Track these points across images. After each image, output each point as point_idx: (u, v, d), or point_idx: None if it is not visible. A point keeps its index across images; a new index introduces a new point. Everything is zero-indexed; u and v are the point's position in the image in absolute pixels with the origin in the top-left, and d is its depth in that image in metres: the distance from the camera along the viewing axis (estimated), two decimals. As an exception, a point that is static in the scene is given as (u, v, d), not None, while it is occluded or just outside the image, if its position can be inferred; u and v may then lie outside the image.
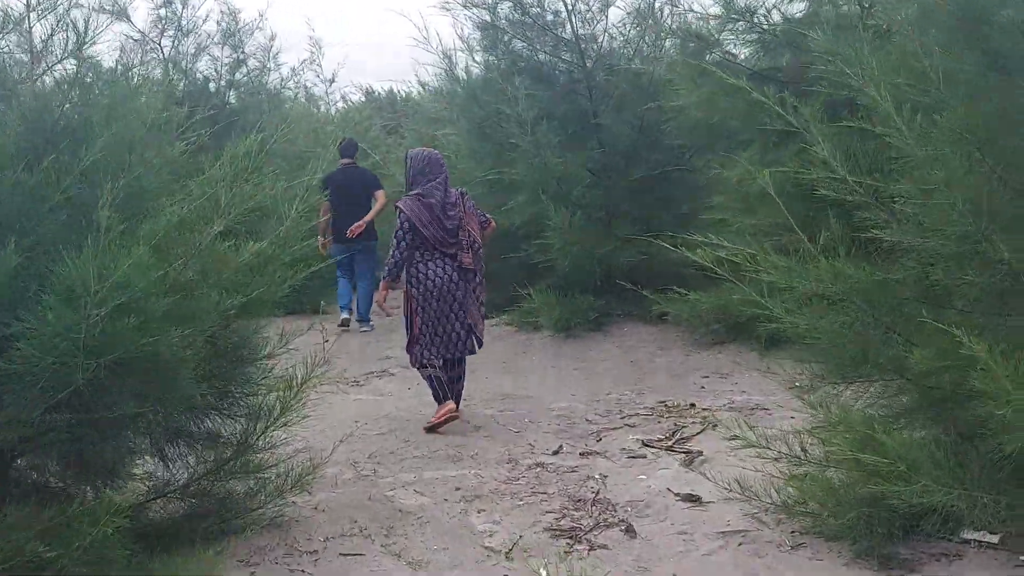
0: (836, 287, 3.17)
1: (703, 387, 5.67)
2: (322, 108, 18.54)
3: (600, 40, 8.28)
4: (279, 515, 3.81)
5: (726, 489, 3.55)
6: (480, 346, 5.36)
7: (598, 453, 4.51)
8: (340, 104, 18.77)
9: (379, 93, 22.27)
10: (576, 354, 6.71)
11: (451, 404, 5.02)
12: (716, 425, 4.80)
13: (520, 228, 7.77)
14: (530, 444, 4.71)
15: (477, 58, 8.78)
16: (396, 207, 5.19)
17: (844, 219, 3.60)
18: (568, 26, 8.09)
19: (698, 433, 4.70)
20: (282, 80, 13.80)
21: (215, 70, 10.13)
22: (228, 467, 3.66)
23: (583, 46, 8.05)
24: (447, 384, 5.13)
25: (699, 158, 7.86)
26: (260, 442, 3.80)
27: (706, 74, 7.10)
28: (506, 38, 8.37)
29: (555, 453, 4.55)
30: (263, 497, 3.80)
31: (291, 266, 3.96)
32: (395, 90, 19.91)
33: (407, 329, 5.24)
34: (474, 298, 5.24)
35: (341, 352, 7.33)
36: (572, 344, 6.94)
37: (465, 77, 8.38)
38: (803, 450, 3.42)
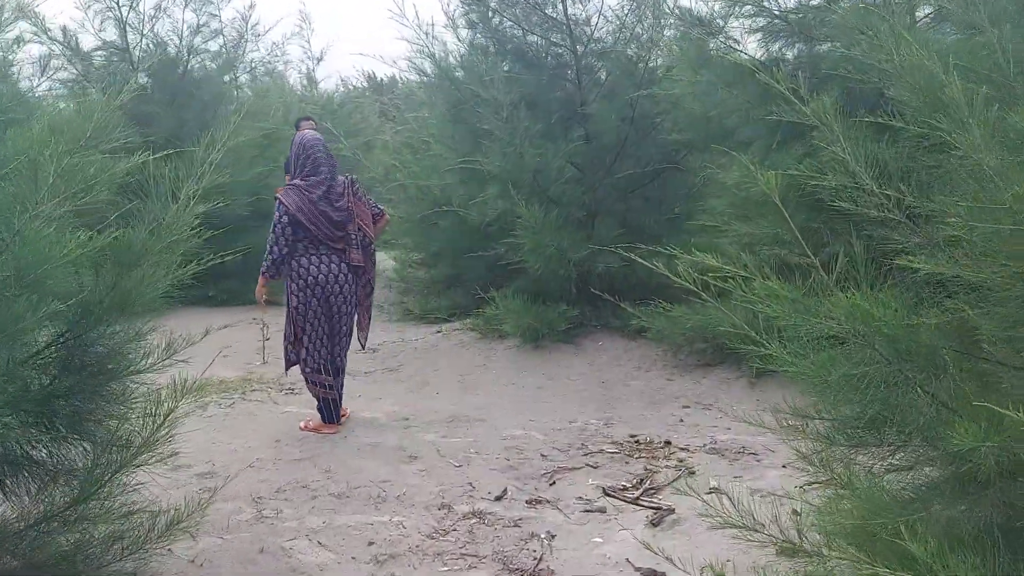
0: (854, 330, 2.41)
1: (682, 420, 4.91)
2: (307, 87, 17.78)
3: (594, 22, 7.50)
4: (141, 570, 3.07)
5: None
6: (363, 348, 5.19)
7: (549, 502, 3.75)
8: (341, 88, 18.08)
9: (382, 79, 21.63)
10: (542, 370, 5.95)
11: (335, 428, 4.74)
12: (694, 472, 4.05)
13: (492, 224, 7.01)
14: (470, 484, 3.95)
15: (461, 35, 8.01)
16: (275, 197, 4.65)
17: (864, 239, 2.87)
18: (560, 4, 7.31)
19: (672, 481, 3.95)
20: (265, 53, 13.02)
21: (176, 33, 9.29)
22: (66, 513, 2.90)
23: (574, 28, 7.27)
24: (335, 402, 4.79)
25: (694, 156, 7.11)
26: (116, 479, 3.04)
27: (706, 61, 6.38)
28: (491, 14, 7.59)
29: (498, 499, 3.79)
30: (121, 548, 3.05)
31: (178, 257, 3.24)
32: (398, 76, 19.21)
33: (287, 331, 4.81)
34: (362, 297, 4.87)
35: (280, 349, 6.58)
36: (539, 357, 6.17)
37: (441, 55, 7.58)
38: (799, 533, 2.68)
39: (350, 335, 4.85)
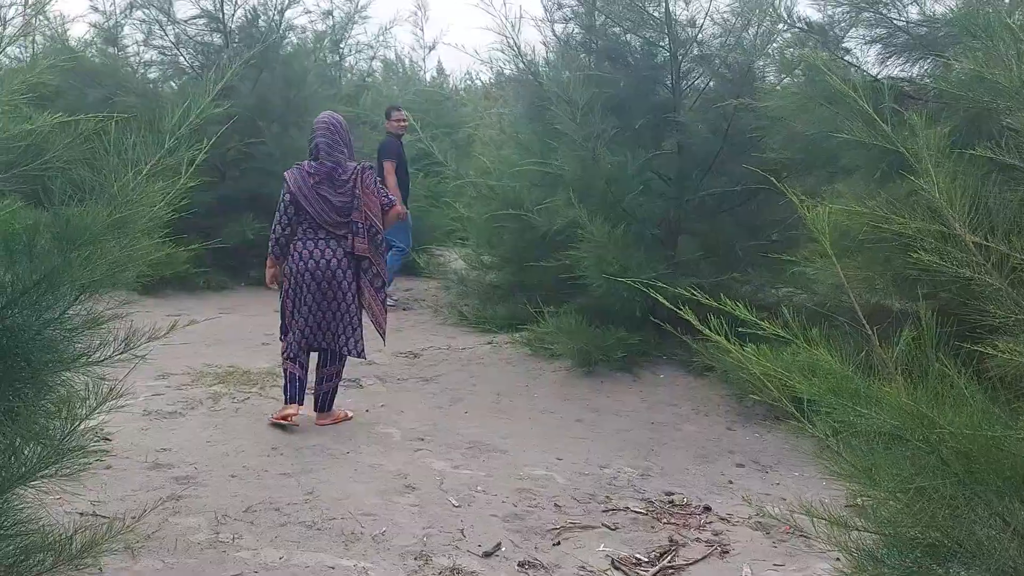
0: (915, 433, 1.77)
1: (731, 481, 4.24)
2: (436, 77, 17.68)
3: (699, 23, 6.84)
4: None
5: None
6: (384, 336, 4.89)
7: (544, 568, 3.19)
8: (467, 83, 18.01)
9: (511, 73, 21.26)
10: (588, 400, 5.36)
11: (291, 409, 4.49)
12: (728, 551, 3.41)
13: (559, 233, 6.46)
14: (461, 531, 3.43)
15: (557, 29, 7.49)
16: (283, 177, 4.58)
17: (957, 301, 2.23)
18: (663, 3, 6.68)
19: (699, 560, 3.33)
20: (371, 37, 12.86)
21: (271, 7, 9.10)
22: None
23: (675, 29, 6.63)
24: (301, 382, 4.57)
25: (796, 179, 6.38)
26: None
27: (812, 73, 5.65)
28: (583, 10, 7.05)
29: (487, 555, 3.25)
30: (32, 566, 2.68)
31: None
32: (480, 70, 19.00)
33: (281, 314, 4.70)
34: (371, 291, 4.65)
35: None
36: (588, 385, 5.58)
37: (527, 49, 7.06)
38: None
39: (351, 328, 4.60)
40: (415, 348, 6.36)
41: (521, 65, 6.84)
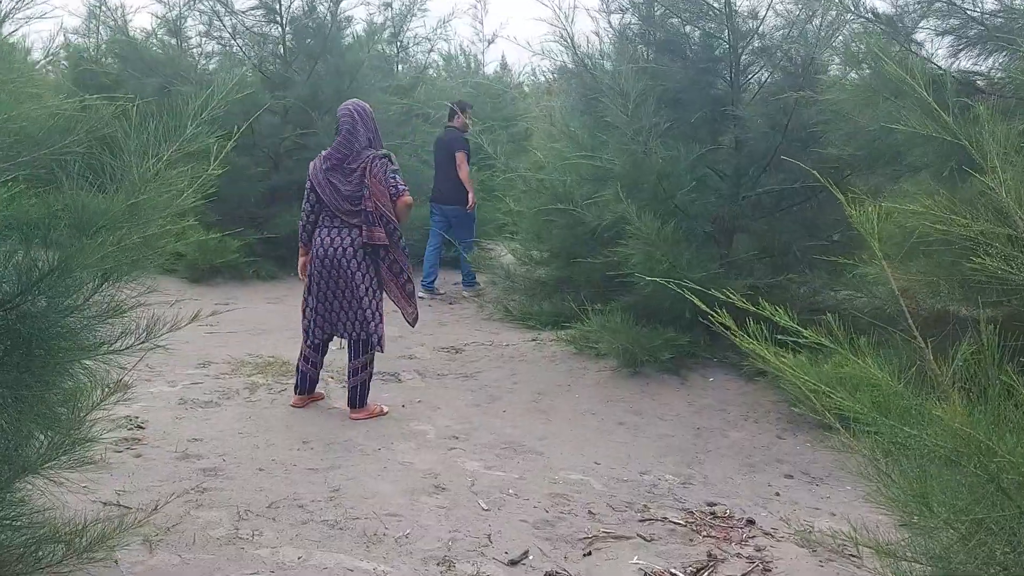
0: (972, 459, 1.58)
1: (779, 493, 4.02)
2: (500, 72, 17.62)
3: (761, 15, 6.57)
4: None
5: None
6: (413, 323, 4.93)
7: (572, 580, 3.04)
8: (531, 78, 17.94)
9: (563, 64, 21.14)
10: (631, 402, 5.17)
11: (295, 400, 4.68)
12: (769, 571, 3.21)
13: (608, 228, 6.27)
14: (488, 536, 3.29)
15: (613, 20, 7.29)
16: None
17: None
18: (723, -8, 6.44)
19: (736, 577, 3.14)
20: (430, 30, 12.78)
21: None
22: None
23: (736, 20, 6.38)
24: (308, 377, 4.70)
25: (859, 177, 6.10)
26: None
27: (878, 65, 5.37)
28: (641, 0, 6.84)
29: (513, 563, 3.12)
30: (41, 557, 2.64)
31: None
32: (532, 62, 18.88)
33: None
34: (391, 277, 4.66)
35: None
36: (633, 387, 5.40)
37: (576, 37, 6.88)
38: None
39: (364, 317, 4.53)
40: (457, 343, 6.25)
41: (573, 56, 6.66)
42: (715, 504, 3.82)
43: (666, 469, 4.21)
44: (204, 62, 9.38)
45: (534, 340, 6.32)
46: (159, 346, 2.87)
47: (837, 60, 6.41)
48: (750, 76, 6.59)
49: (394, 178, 4.50)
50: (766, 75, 6.56)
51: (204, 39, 9.62)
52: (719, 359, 5.84)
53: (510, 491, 3.75)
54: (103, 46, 9.91)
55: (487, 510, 3.53)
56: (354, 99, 4.68)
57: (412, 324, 4.85)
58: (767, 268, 6.34)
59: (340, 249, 4.44)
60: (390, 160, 4.52)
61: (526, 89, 18.14)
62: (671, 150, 5.87)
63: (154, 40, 9.56)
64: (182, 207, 2.82)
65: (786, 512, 3.78)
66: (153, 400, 4.59)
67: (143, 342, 2.90)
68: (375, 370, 5.36)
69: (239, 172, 7.96)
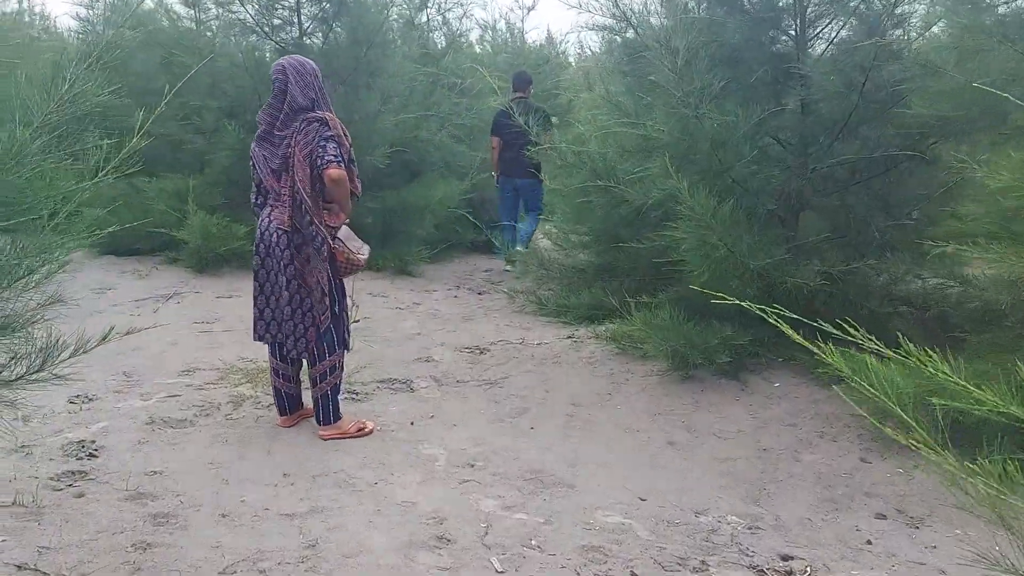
0: None
1: (870, 540, 3.19)
2: (546, 43, 16.82)
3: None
4: None
5: None
6: (306, 358, 3.91)
7: None
8: (576, 48, 17.10)
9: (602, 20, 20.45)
10: (683, 415, 4.37)
11: (280, 422, 3.97)
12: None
13: (656, 208, 5.44)
14: (500, 614, 2.54)
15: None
16: None
17: None
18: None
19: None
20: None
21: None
22: None
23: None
24: (285, 394, 3.98)
25: (950, 144, 5.22)
26: None
27: (977, 11, 4.49)
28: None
29: (530, 657, 2.36)
30: None
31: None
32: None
33: None
34: (301, 262, 3.74)
35: (377, 335, 5.44)
36: (685, 395, 4.59)
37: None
38: None
39: (291, 321, 3.76)
40: (482, 342, 5.50)
41: (614, 7, 5.80)
42: (791, 558, 3.02)
43: (727, 506, 3.41)
44: (212, 33, 8.67)
45: (570, 338, 5.53)
46: (56, 377, 2.14)
47: (923, 9, 5.49)
48: (819, 29, 5.67)
49: (323, 147, 3.61)
50: (839, 27, 5.65)
51: (222, 10, 8.95)
52: (784, 359, 5.00)
53: (532, 542, 2.99)
54: (108, 16, 9.27)
55: (502, 573, 2.77)
56: (291, 55, 3.87)
57: (319, 322, 3.79)
58: (839, 252, 5.46)
59: (270, 234, 3.72)
60: (325, 125, 3.63)
61: (571, 61, 17.30)
62: (727, 115, 5.01)
63: (160, 11, 8.89)
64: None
65: (883, 570, 2.96)
66: (117, 419, 3.92)
67: (37, 371, 2.18)
68: (401, 377, 4.65)
69: (248, 151, 7.26)
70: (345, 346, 3.89)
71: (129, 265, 7.18)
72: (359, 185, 3.87)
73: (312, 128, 3.61)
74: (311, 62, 3.76)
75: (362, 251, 3.88)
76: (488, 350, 5.33)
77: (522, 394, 4.59)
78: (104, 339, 2.39)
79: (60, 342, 2.23)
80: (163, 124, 7.94)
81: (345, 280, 3.89)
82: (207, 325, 5.62)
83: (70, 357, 2.25)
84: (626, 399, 4.55)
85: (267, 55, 7.99)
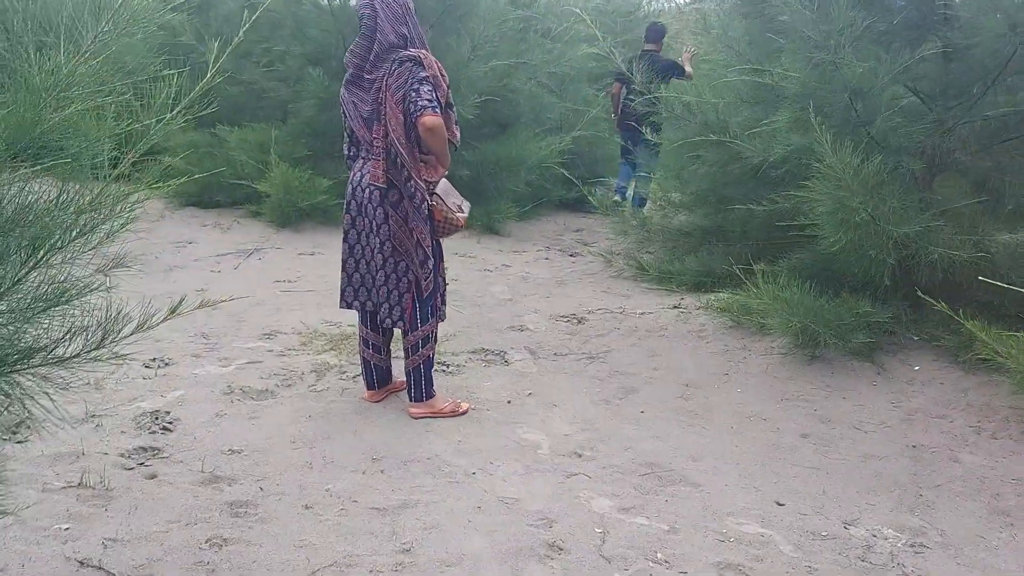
0: None
1: (1062, 567, 2.68)
2: None
3: None
4: None
5: None
6: (410, 324, 3.42)
7: None
8: None
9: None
10: (816, 401, 3.87)
11: (367, 395, 3.62)
12: None
13: (778, 166, 4.89)
14: (630, 651, 2.14)
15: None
16: None
17: None
18: None
19: None
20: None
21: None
22: None
23: None
24: (374, 367, 3.61)
25: None
26: None
27: None
28: None
29: None
30: None
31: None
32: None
33: None
34: (396, 220, 3.31)
35: (466, 300, 5.05)
36: (813, 378, 4.08)
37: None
38: None
39: (385, 286, 3.38)
40: (579, 310, 5.06)
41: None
42: (968, 586, 2.53)
43: (881, 516, 2.92)
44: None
45: (676, 308, 5.04)
46: (117, 356, 1.78)
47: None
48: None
49: (416, 90, 3.16)
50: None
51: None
52: (925, 339, 4.43)
53: (658, 555, 2.57)
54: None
55: (620, 595, 2.36)
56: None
57: (421, 285, 3.39)
58: (991, 219, 4.82)
59: (362, 190, 3.34)
60: (419, 64, 3.19)
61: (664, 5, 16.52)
62: (866, 60, 4.38)
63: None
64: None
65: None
66: (195, 386, 3.63)
67: (96, 348, 1.83)
68: (493, 348, 4.27)
69: (335, 99, 6.90)
70: (440, 316, 3.51)
71: (211, 218, 6.94)
72: (457, 133, 3.44)
73: (405, 69, 3.18)
74: None
75: (463, 208, 3.46)
76: (586, 319, 4.89)
77: (628, 371, 4.15)
78: (173, 312, 2.04)
79: (123, 314, 1.87)
80: (246, 71, 7.69)
81: (442, 241, 3.49)
82: (289, 284, 5.32)
83: (134, 333, 1.89)
84: (746, 380, 4.06)
85: (351, -3, 7.58)
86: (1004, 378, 3.93)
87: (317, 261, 5.92)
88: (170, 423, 3.24)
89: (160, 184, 2.01)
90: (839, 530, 2.81)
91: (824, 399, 3.87)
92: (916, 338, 4.47)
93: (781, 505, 2.95)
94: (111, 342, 1.87)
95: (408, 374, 3.45)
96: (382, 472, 2.96)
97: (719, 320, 4.74)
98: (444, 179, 3.43)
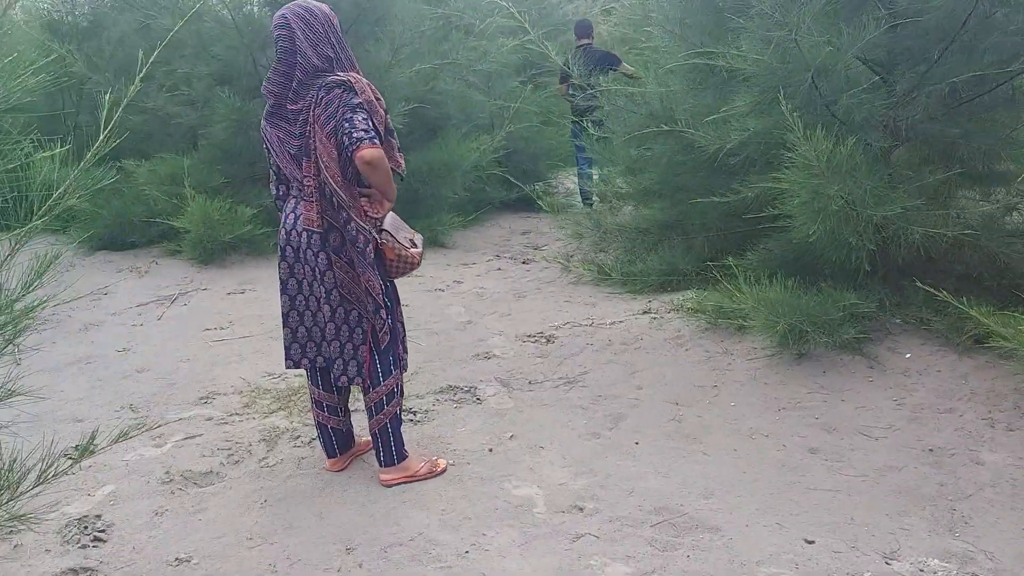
0: None
1: None
2: None
3: None
4: None
5: None
6: (371, 379, 2.98)
7: None
8: None
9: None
10: (814, 407, 3.59)
11: (329, 465, 3.17)
12: None
13: (735, 154, 4.60)
14: None
15: None
16: None
17: None
18: None
19: None
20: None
21: None
22: None
23: None
24: (332, 431, 3.15)
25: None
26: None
27: None
28: None
29: None
30: None
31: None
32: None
33: None
34: (342, 266, 2.87)
35: (421, 327, 4.59)
36: (805, 379, 3.80)
37: None
38: None
39: (337, 339, 2.94)
40: (546, 327, 4.70)
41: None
42: (1037, 621, 2.26)
43: (921, 543, 2.64)
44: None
45: (647, 313, 4.73)
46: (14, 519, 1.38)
47: None
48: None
49: (349, 120, 2.72)
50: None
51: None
52: (908, 321, 4.20)
53: (695, 632, 2.22)
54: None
55: None
56: (294, 1, 2.94)
57: (379, 335, 2.97)
58: (964, 190, 4.63)
59: (297, 234, 2.90)
60: (349, 90, 2.75)
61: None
62: (822, 35, 4.11)
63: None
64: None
65: None
66: (127, 477, 3.14)
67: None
68: (462, 384, 3.88)
69: (248, 119, 6.39)
70: (403, 366, 3.10)
71: (126, 261, 6.36)
72: (402, 161, 3.03)
73: (334, 96, 2.74)
74: (322, 6, 2.87)
75: (415, 242, 3.06)
76: (555, 336, 4.53)
77: (610, 393, 3.80)
78: (86, 453, 1.59)
79: (19, 465, 1.43)
80: (149, 97, 7.08)
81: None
82: (221, 332, 4.82)
83: (35, 487, 1.45)
84: (736, 391, 3.76)
85: (255, 8, 7.03)
86: (1002, 360, 3.72)
87: (249, 300, 5.42)
88: (102, 531, 2.77)
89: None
90: (881, 567, 2.51)
91: (822, 404, 3.60)
92: (899, 322, 4.24)
93: (811, 543, 2.64)
94: (10, 500, 1.42)
95: (374, 436, 3.04)
96: (360, 567, 2.55)
97: (695, 322, 4.43)
98: (391, 212, 3.03)
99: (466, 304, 5.23)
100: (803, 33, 3.95)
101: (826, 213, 3.83)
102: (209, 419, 3.64)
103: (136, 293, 5.62)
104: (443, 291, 5.53)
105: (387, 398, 3.00)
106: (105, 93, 2.42)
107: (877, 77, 4.44)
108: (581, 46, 7.54)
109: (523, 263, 6.22)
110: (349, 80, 2.76)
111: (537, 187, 7.77)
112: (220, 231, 6.05)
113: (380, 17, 6.77)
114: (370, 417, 3.02)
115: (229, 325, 4.94)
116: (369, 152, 2.68)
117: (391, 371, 3.00)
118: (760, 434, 3.39)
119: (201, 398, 3.87)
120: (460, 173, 6.90)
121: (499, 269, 6.08)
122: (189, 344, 4.62)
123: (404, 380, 3.77)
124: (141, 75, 2.30)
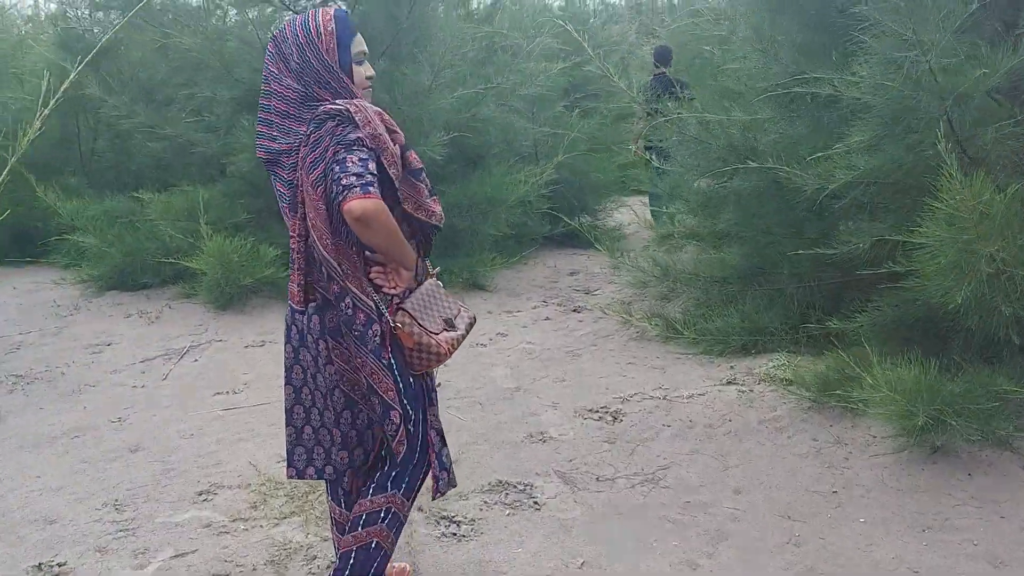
0: None
1: None
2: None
3: None
4: None
5: None
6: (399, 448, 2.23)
7: None
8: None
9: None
10: (967, 526, 2.82)
11: None
12: None
13: (838, 196, 3.86)
14: None
15: None
16: None
17: None
18: None
19: None
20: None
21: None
22: None
23: None
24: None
25: None
26: None
27: None
28: None
29: None
30: None
31: None
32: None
33: None
34: (342, 357, 2.20)
35: (461, 396, 3.85)
36: (944, 482, 3.04)
37: None
38: None
39: (363, 442, 2.29)
40: (609, 399, 3.97)
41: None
42: None
43: None
44: (218, 7, 7.15)
45: (731, 384, 3.99)
46: None
47: None
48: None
49: (340, 162, 2.03)
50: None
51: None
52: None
53: None
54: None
55: None
56: (295, 16, 2.24)
57: (395, 438, 2.22)
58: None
59: (303, 322, 2.24)
60: (345, 122, 2.07)
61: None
62: (955, 55, 3.37)
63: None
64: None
65: None
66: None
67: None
68: (501, 480, 3.15)
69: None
70: (440, 487, 2.35)
71: (136, 304, 5.75)
72: (437, 208, 2.30)
73: (325, 131, 2.07)
74: (311, 16, 2.17)
75: (455, 323, 2.32)
76: (622, 413, 3.80)
77: (702, 499, 3.06)
78: None
79: None
80: (169, 122, 6.53)
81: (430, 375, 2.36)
82: (233, 396, 4.17)
83: None
84: (862, 501, 3.00)
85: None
86: None
87: (268, 354, 4.76)
88: None
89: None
90: None
91: (979, 522, 2.83)
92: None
93: None
94: None
95: (342, 558, 2.29)
96: None
97: (793, 401, 3.69)
98: (430, 281, 2.31)
99: (512, 364, 4.52)
100: (938, 55, 3.22)
101: (974, 275, 3.08)
102: (207, 525, 2.95)
103: (142, 344, 4.99)
104: (485, 346, 4.83)
105: (382, 514, 2.26)
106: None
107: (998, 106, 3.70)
108: (658, 75, 6.91)
109: (574, 311, 5.50)
110: (347, 109, 2.07)
111: (585, 220, 7.09)
112: (239, 273, 5.42)
113: (419, 37, 6.13)
114: (356, 526, 2.27)
115: (244, 387, 4.28)
116: (359, 205, 1.95)
117: (407, 487, 2.29)
118: (904, 565, 2.62)
119: (200, 492, 3.19)
120: (504, 208, 6.23)
121: (547, 319, 5.37)
122: (195, 413, 3.97)
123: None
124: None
